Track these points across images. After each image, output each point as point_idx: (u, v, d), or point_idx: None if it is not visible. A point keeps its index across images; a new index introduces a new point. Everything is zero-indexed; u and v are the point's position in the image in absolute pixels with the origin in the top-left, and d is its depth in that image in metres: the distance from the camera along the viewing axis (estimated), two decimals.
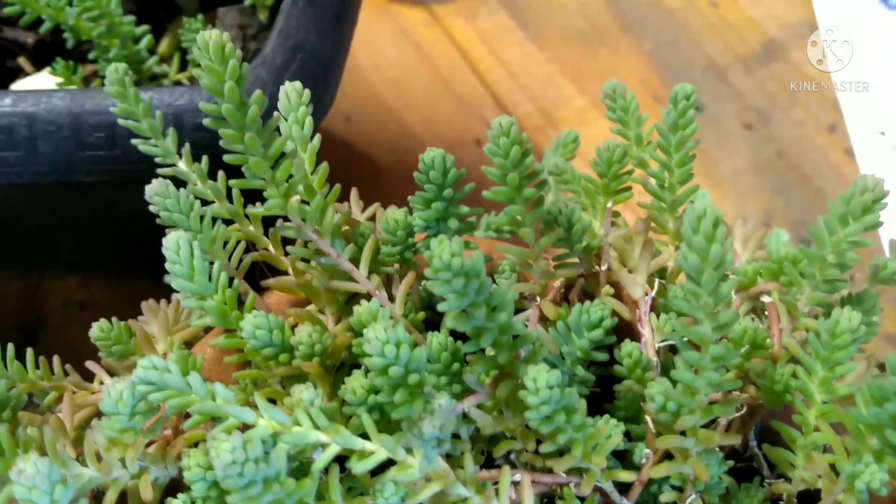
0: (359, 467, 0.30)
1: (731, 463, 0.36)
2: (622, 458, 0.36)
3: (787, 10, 1.02)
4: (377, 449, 0.30)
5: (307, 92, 0.40)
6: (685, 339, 0.31)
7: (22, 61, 0.59)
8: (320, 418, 0.31)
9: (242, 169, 0.35)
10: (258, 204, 0.42)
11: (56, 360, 0.42)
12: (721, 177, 0.89)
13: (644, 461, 0.35)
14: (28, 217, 0.62)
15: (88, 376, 0.42)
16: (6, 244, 0.68)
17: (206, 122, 0.33)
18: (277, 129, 0.36)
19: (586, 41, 0.99)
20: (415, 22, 0.99)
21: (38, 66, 0.59)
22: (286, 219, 0.37)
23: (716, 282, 0.29)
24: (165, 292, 0.41)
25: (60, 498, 0.30)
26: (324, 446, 0.30)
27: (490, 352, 0.32)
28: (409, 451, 0.30)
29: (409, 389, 0.32)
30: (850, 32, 1.00)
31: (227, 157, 0.34)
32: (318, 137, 0.40)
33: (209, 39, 0.33)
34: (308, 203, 0.37)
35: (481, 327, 0.31)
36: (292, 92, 0.39)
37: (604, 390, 0.38)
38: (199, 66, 0.33)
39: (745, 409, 0.36)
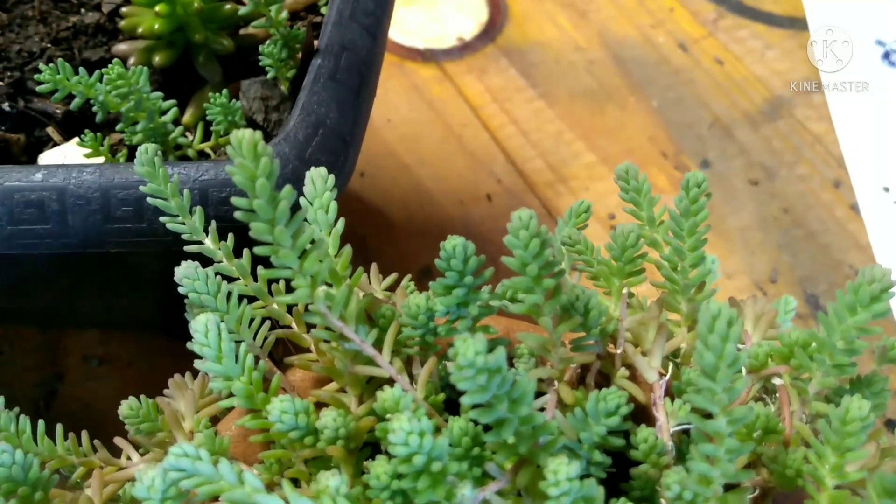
0: None
1: None
2: None
3: (792, 67, 1.04)
4: None
5: (332, 178, 0.41)
6: (700, 430, 0.32)
7: (51, 131, 0.60)
8: None
9: (271, 259, 0.36)
10: (282, 286, 0.43)
11: (84, 435, 0.43)
12: (728, 232, 0.90)
13: None
14: (54, 282, 0.63)
15: (113, 447, 0.43)
16: (29, 305, 0.69)
17: (237, 214, 0.35)
18: (306, 219, 0.38)
19: (594, 98, 1.01)
20: (427, 79, 1.01)
21: (67, 136, 0.61)
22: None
23: (730, 379, 0.30)
24: (181, 347, 0.42)
25: None
26: None
27: (510, 439, 0.33)
28: None
29: (431, 476, 0.33)
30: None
31: (257, 250, 0.35)
32: (342, 221, 0.41)
33: (243, 138, 0.34)
34: (332, 286, 0.38)
35: (503, 419, 0.32)
36: (318, 178, 0.41)
37: (619, 469, 0.39)
38: (226, 140, 0.35)
39: (757, 492, 0.37)
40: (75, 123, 0.61)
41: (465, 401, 0.31)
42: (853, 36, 1.06)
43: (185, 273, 0.40)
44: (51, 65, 0.53)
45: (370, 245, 0.89)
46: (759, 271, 0.88)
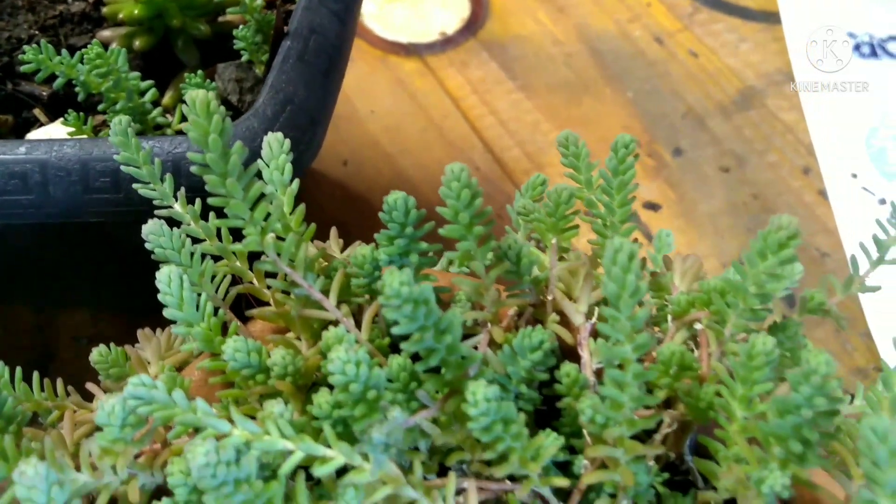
0: (320, 471, 0.34)
1: (666, 475, 0.40)
2: (565, 469, 0.40)
3: (764, 59, 1.07)
4: (336, 455, 0.34)
5: (287, 141, 0.45)
6: (611, 359, 0.35)
7: (37, 112, 0.64)
8: (287, 428, 0.35)
9: (224, 210, 0.39)
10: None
11: (59, 382, 0.46)
12: (699, 218, 0.93)
13: (583, 471, 0.39)
14: (39, 257, 0.66)
15: (89, 398, 0.46)
16: (19, 282, 0.72)
17: (192, 168, 0.38)
18: (259, 174, 0.41)
19: (572, 90, 1.04)
20: (410, 72, 1.05)
21: (52, 117, 0.64)
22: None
23: (632, 308, 0.33)
24: (167, 326, 0.45)
25: (56, 497, 0.34)
26: (290, 453, 0.35)
27: (440, 369, 0.36)
28: (364, 457, 0.35)
29: (368, 404, 0.36)
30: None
31: (210, 200, 0.38)
32: (296, 182, 0.44)
33: (196, 97, 0.37)
34: (283, 240, 0.41)
35: (431, 348, 0.35)
36: (274, 142, 0.44)
37: (551, 410, 0.42)
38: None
39: (676, 426, 0.40)
40: (61, 105, 0.64)
41: (395, 330, 0.35)
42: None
43: (151, 229, 0.43)
44: (34, 45, 0.56)
45: (353, 231, 0.92)
46: (728, 254, 0.90)
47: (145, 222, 0.49)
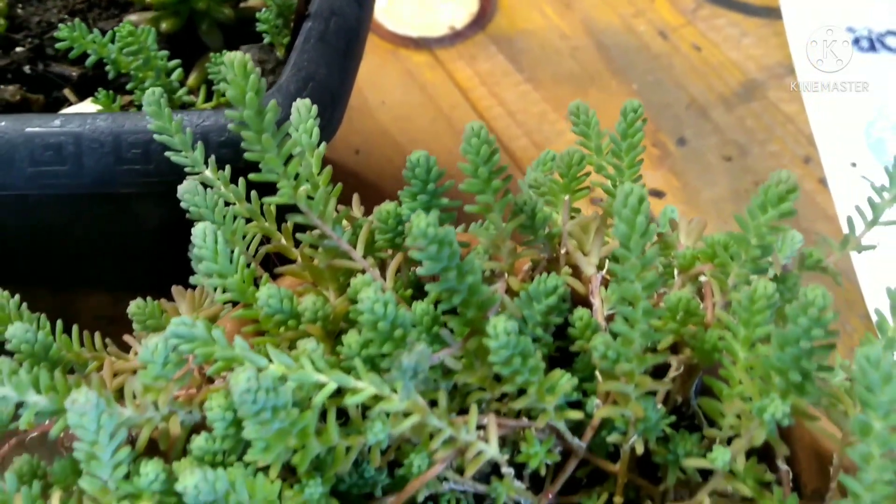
0: (351, 400, 0.37)
1: (673, 418, 0.43)
2: (578, 409, 0.42)
3: (766, 53, 1.10)
4: (366, 386, 0.37)
5: (314, 107, 0.47)
6: (622, 297, 0.37)
7: (67, 92, 0.67)
8: (320, 362, 0.37)
9: (259, 165, 0.42)
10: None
11: (97, 335, 0.49)
12: (703, 205, 0.96)
13: (595, 410, 0.41)
14: (66, 233, 0.69)
15: (126, 350, 0.49)
16: (43, 261, 0.75)
17: (230, 126, 0.41)
18: (288, 133, 0.43)
19: (578, 82, 1.07)
20: (420, 65, 1.08)
21: (82, 97, 0.67)
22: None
23: (641, 247, 0.36)
24: None
25: (105, 424, 0.36)
26: (323, 385, 0.37)
27: (460, 308, 0.38)
28: (392, 389, 0.37)
29: (395, 342, 0.38)
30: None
31: (247, 155, 0.41)
32: (323, 145, 0.47)
33: (234, 58, 0.40)
34: (312, 199, 0.44)
35: (453, 289, 0.38)
36: (302, 107, 0.47)
37: (565, 359, 0.44)
38: (225, 80, 0.41)
39: (682, 369, 0.42)
40: (89, 85, 0.67)
41: (420, 271, 0.37)
42: (825, 24, 1.12)
43: (187, 188, 0.46)
44: (68, 23, 0.59)
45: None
46: None
47: (174, 192, 0.52)
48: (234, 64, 0.40)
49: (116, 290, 0.87)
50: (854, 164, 0.99)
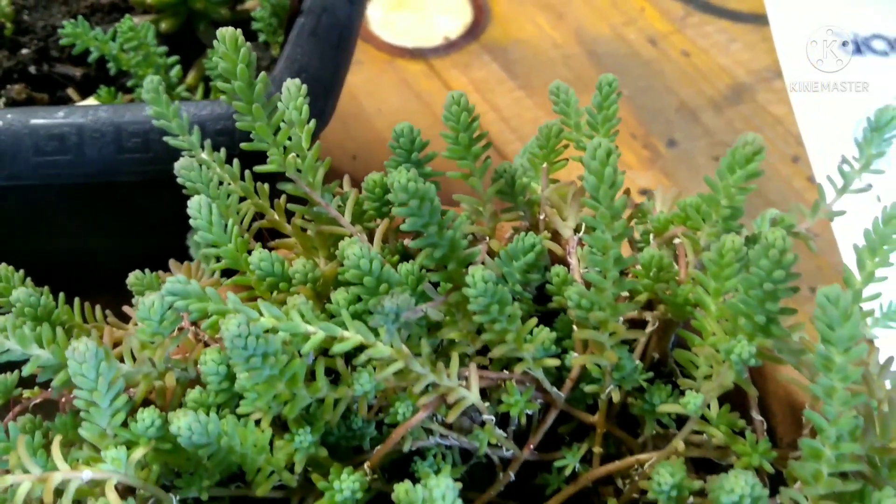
0: (338, 348, 0.38)
1: (650, 374, 0.44)
2: (559, 366, 0.44)
3: (753, 57, 1.12)
4: (352, 335, 0.39)
5: (304, 86, 0.50)
6: (593, 248, 0.39)
7: (70, 91, 0.69)
8: (309, 314, 0.39)
9: (251, 135, 0.44)
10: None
11: (98, 308, 0.51)
12: None
13: (573, 365, 0.43)
14: (70, 230, 0.71)
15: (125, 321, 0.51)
16: (50, 253, 0.77)
17: (222, 98, 0.43)
18: (276, 107, 0.46)
19: None
20: (415, 74, 1.10)
21: (85, 96, 0.69)
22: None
23: (611, 197, 0.38)
24: None
25: (104, 372, 0.38)
26: (311, 336, 0.39)
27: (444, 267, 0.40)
28: (376, 335, 0.39)
29: (380, 297, 0.40)
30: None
31: (238, 124, 0.43)
32: (313, 121, 0.49)
33: (225, 33, 0.43)
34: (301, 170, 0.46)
35: (434, 243, 0.40)
36: (292, 86, 0.49)
37: (546, 322, 0.46)
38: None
39: (657, 324, 0.44)
40: (91, 85, 0.69)
41: (403, 227, 0.39)
42: (810, 28, 1.14)
43: (183, 164, 0.48)
44: (72, 21, 0.62)
45: None
46: None
47: (172, 180, 0.54)
48: (225, 38, 0.42)
49: (118, 290, 0.89)
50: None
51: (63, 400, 0.46)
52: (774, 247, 0.36)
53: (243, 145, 0.45)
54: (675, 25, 1.16)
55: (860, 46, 1.13)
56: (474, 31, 1.15)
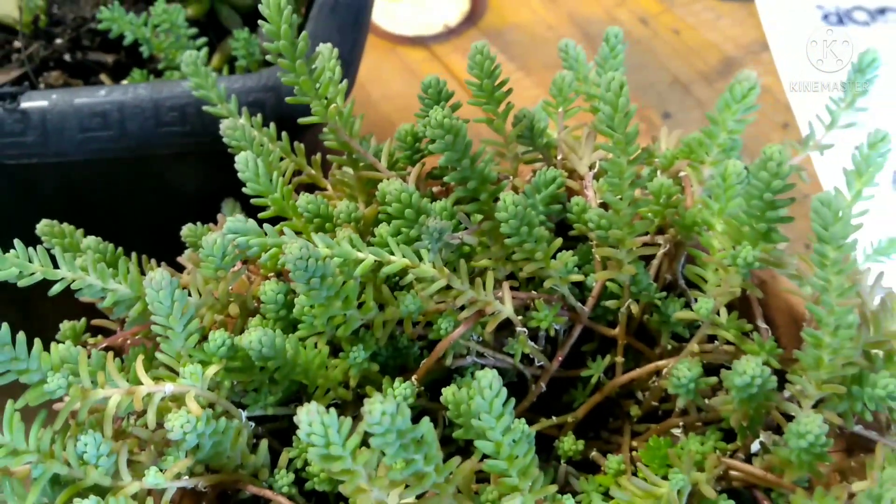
0: (386, 270, 0.43)
1: (664, 294, 0.49)
2: (580, 288, 0.49)
3: (742, 32, 1.17)
4: (399, 258, 0.43)
5: (336, 50, 0.54)
6: (610, 172, 0.44)
7: (103, 77, 0.74)
8: (359, 242, 0.44)
9: (294, 90, 0.49)
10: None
11: (153, 262, 0.55)
12: None
13: (595, 285, 0.47)
14: (108, 202, 0.75)
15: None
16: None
17: (268, 57, 0.47)
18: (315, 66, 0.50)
19: None
20: (418, 60, 1.15)
21: (117, 81, 0.74)
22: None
23: (624, 124, 0.42)
24: None
25: (179, 299, 0.43)
26: (362, 260, 0.43)
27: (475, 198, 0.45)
28: (420, 259, 0.43)
29: (420, 228, 0.45)
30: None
31: (284, 79, 0.48)
32: (345, 82, 0.54)
33: (269, 1, 0.47)
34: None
35: (467, 176, 0.45)
36: (326, 49, 0.54)
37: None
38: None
39: (668, 246, 0.48)
40: (123, 71, 0.74)
41: (441, 162, 0.44)
42: (797, 4, 1.20)
43: (228, 125, 0.53)
44: (109, 6, 0.66)
45: None
46: None
47: (207, 152, 0.58)
48: (269, 3, 0.47)
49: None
50: None
51: (128, 342, 0.51)
52: (773, 159, 0.41)
53: (288, 99, 0.49)
54: (665, 5, 1.21)
55: (842, 17, 1.18)
56: (472, 18, 1.20)
